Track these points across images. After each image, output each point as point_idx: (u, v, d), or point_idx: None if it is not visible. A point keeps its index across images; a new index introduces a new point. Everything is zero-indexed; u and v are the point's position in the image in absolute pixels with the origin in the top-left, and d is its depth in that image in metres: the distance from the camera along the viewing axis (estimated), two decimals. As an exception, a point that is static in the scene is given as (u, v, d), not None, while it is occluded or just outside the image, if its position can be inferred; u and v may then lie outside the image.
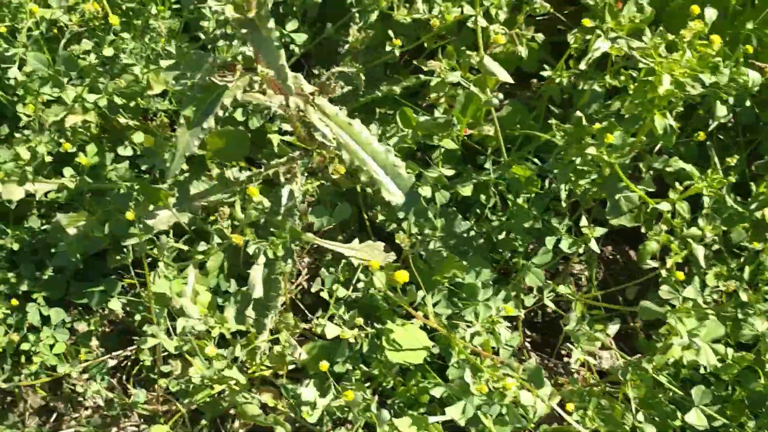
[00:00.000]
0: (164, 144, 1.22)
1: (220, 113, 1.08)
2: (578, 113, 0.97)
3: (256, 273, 1.21)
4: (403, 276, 0.95)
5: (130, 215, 1.10)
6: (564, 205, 1.11)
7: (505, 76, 1.11)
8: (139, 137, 1.33)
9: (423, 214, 1.14)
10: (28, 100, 1.32)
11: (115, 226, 1.19)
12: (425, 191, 1.13)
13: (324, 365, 1.07)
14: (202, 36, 1.45)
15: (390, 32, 1.21)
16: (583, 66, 1.08)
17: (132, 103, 1.32)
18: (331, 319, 1.19)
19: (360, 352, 1.24)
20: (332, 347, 1.26)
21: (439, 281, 1.19)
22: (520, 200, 1.23)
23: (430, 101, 1.48)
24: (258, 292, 1.18)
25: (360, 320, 1.14)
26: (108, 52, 1.13)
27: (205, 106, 1.08)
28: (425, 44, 1.30)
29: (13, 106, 1.34)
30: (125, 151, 1.32)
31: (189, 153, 1.09)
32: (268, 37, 0.86)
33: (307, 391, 1.16)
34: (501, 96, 1.13)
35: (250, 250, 1.23)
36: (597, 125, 0.88)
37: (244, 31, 0.89)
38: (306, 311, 1.43)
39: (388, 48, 1.29)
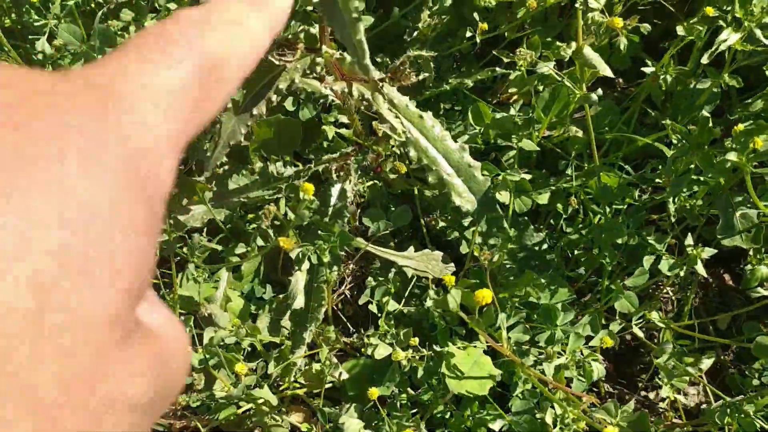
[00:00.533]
0: (205, 131, 1.08)
1: (274, 99, 0.94)
2: (705, 112, 0.81)
3: (298, 280, 1.06)
4: (486, 296, 0.80)
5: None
6: (673, 220, 0.95)
7: (606, 70, 0.96)
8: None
9: (497, 223, 0.98)
10: (57, 77, 1.20)
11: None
12: (503, 197, 0.98)
13: (373, 392, 0.92)
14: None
15: (476, 16, 1.05)
16: (705, 60, 0.92)
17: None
18: (381, 336, 1.04)
19: (409, 374, 1.09)
20: (377, 367, 1.11)
21: (509, 300, 1.04)
22: (607, 211, 1.07)
23: (503, 98, 1.32)
24: (299, 302, 1.03)
25: (415, 340, 0.99)
26: (150, 24, 1.00)
27: (256, 89, 0.94)
28: (505, 34, 1.15)
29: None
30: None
31: (234, 142, 0.95)
32: (345, 7, 0.72)
33: (350, 421, 1.01)
34: (600, 92, 0.97)
35: (293, 254, 1.09)
36: (740, 126, 0.73)
37: (315, 0, 0.74)
38: (347, 323, 1.28)
39: (463, 36, 1.14)
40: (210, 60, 0.24)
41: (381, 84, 0.93)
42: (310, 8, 0.92)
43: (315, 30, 0.93)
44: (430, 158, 0.98)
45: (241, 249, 1.05)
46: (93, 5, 1.33)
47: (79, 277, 0.17)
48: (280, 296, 1.15)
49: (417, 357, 0.97)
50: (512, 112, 1.19)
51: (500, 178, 0.95)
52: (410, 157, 0.98)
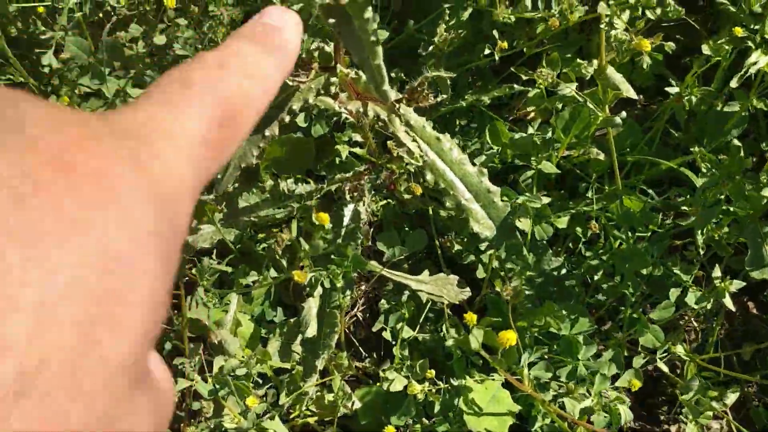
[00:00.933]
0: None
1: (287, 119, 0.90)
2: (735, 141, 0.77)
3: (311, 307, 1.02)
4: (510, 338, 0.76)
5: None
6: (701, 252, 0.91)
7: (630, 92, 0.92)
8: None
9: (516, 250, 0.95)
10: (63, 92, 1.17)
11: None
12: (523, 224, 0.94)
13: (390, 430, 0.89)
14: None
15: (495, 33, 1.02)
16: (734, 84, 0.88)
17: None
18: (396, 368, 1.00)
19: (424, 404, 1.05)
20: (391, 396, 1.08)
21: (528, 329, 1.00)
22: (629, 237, 1.03)
23: (519, 114, 1.29)
24: (312, 329, 1.00)
25: (431, 372, 0.96)
26: (159, 40, 0.97)
27: (268, 109, 0.90)
28: (523, 50, 1.11)
29: (46, 96, 1.19)
30: (168, 154, 1.15)
31: (246, 164, 0.92)
32: (364, 30, 0.69)
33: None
34: (624, 115, 0.93)
35: (306, 279, 1.06)
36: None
37: (332, 20, 0.71)
38: (360, 347, 1.25)
39: (480, 51, 1.10)
40: (228, 107, 0.26)
41: (398, 105, 0.90)
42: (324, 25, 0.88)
43: (330, 48, 0.90)
44: (448, 182, 0.94)
45: (252, 277, 1.01)
46: (101, 15, 1.30)
47: (109, 321, 0.18)
48: (291, 320, 1.12)
49: (434, 390, 0.93)
50: (530, 130, 1.15)
51: (520, 203, 0.91)
52: (427, 180, 0.95)
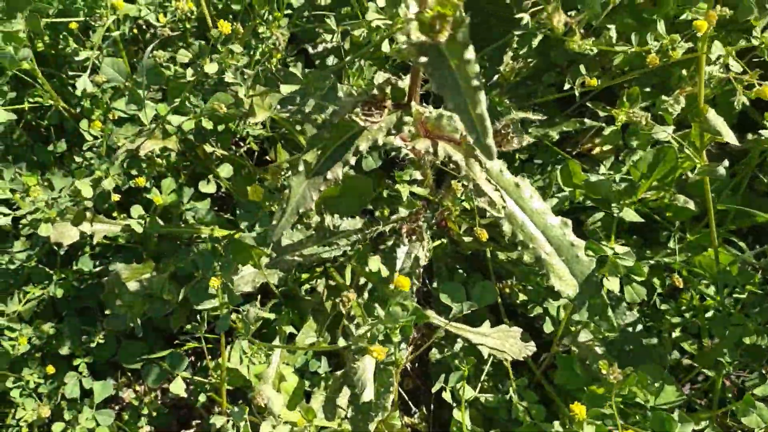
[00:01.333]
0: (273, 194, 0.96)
1: (352, 161, 0.81)
2: None
3: (366, 367, 0.92)
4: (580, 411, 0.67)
5: (215, 282, 0.84)
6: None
7: (730, 136, 0.82)
8: (226, 170, 1.07)
9: (600, 311, 0.85)
10: (95, 116, 1.07)
11: (192, 290, 0.92)
12: (612, 284, 0.84)
13: None
14: (310, 49, 1.19)
15: (582, 68, 0.92)
16: None
17: (220, 127, 1.06)
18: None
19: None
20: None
21: (607, 398, 0.90)
22: (710, 293, 0.93)
23: (583, 149, 1.19)
24: (368, 393, 0.90)
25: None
26: (211, 68, 0.87)
27: (332, 149, 0.81)
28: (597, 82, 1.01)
29: (76, 120, 1.10)
30: (207, 187, 1.06)
31: (304, 209, 0.82)
32: (463, 73, 0.59)
33: None
34: (727, 164, 0.83)
35: (361, 332, 0.96)
36: None
37: (423, 59, 0.61)
38: (408, 400, 1.14)
39: (547, 82, 1.01)
40: None
41: (477, 150, 0.80)
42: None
43: (403, 84, 0.81)
44: (528, 234, 0.84)
45: (311, 338, 0.91)
46: (134, 31, 1.21)
47: None
48: (337, 373, 1.02)
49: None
50: (602, 170, 1.06)
51: (609, 259, 0.81)
52: (504, 232, 0.85)
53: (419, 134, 0.87)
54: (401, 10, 0.65)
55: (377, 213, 1.13)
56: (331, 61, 1.20)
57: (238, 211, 1.14)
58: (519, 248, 0.85)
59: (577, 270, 0.84)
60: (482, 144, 0.61)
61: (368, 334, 0.92)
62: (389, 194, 1.16)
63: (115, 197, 0.94)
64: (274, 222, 0.83)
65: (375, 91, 0.78)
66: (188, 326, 0.95)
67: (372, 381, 0.90)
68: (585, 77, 0.90)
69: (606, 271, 0.81)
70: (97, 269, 1.09)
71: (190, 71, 0.90)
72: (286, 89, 0.84)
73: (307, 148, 0.81)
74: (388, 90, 0.79)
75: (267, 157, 1.23)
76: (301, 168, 0.80)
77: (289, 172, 0.94)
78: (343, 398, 1.04)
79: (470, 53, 0.60)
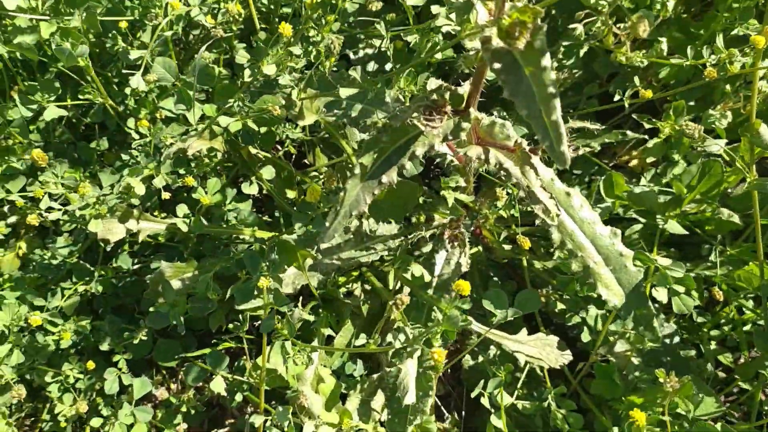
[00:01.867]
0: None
1: (407, 165, 0.82)
2: None
3: (408, 371, 0.92)
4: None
5: (264, 282, 0.84)
6: None
7: (782, 153, 0.83)
8: (268, 172, 1.08)
9: (646, 321, 0.85)
10: (142, 114, 1.08)
11: (238, 290, 0.92)
12: (660, 294, 0.84)
13: None
14: (351, 55, 1.20)
15: (636, 80, 0.93)
16: None
17: (263, 130, 1.07)
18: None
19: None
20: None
21: (647, 407, 0.90)
22: (749, 306, 0.94)
23: (620, 162, 1.20)
24: (410, 396, 0.90)
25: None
26: (269, 69, 0.88)
27: (388, 152, 0.81)
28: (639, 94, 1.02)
29: (121, 118, 1.10)
30: (250, 188, 1.06)
31: (357, 212, 0.83)
32: (538, 81, 0.60)
33: None
34: (778, 179, 0.84)
35: (401, 337, 0.96)
36: None
37: (497, 66, 0.62)
38: (440, 405, 1.15)
39: (589, 93, 1.02)
40: None
41: (532, 157, 0.81)
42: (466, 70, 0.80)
43: (462, 91, 0.82)
44: (577, 243, 0.85)
45: (361, 340, 0.92)
46: (178, 30, 1.21)
47: None
48: (373, 376, 1.02)
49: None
50: (643, 182, 1.06)
51: (657, 271, 0.82)
52: (553, 240, 0.86)
53: (471, 141, 0.89)
54: (472, 17, 0.66)
55: (413, 219, 1.14)
56: (371, 67, 1.22)
57: (277, 213, 1.14)
58: (567, 257, 0.86)
59: (625, 280, 0.85)
60: (556, 151, 0.61)
61: (410, 338, 0.92)
62: (425, 201, 1.17)
63: (165, 195, 0.94)
64: (327, 224, 0.84)
65: (435, 96, 0.78)
66: (230, 326, 0.95)
67: (414, 384, 0.90)
68: (639, 88, 0.91)
69: (654, 281, 0.82)
70: (136, 267, 1.10)
71: (247, 72, 0.91)
72: (344, 92, 0.85)
73: (363, 151, 0.81)
74: (447, 96, 0.80)
75: (305, 161, 1.24)
76: (357, 171, 0.81)
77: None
78: (378, 402, 1.04)
79: (547, 60, 0.61)
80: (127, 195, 0.93)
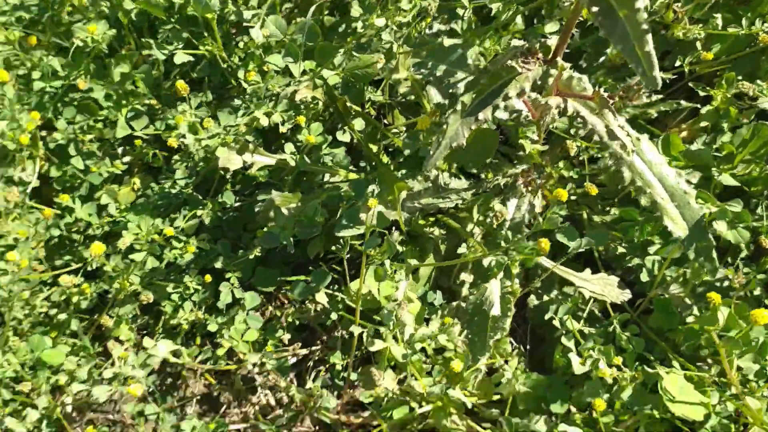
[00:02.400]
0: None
1: (501, 105, 0.95)
2: None
3: (493, 289, 1.05)
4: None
5: (372, 202, 0.97)
6: None
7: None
8: (359, 124, 1.22)
9: (706, 253, 0.97)
10: (251, 67, 1.23)
11: (346, 212, 1.06)
12: (719, 226, 0.97)
13: (599, 403, 0.91)
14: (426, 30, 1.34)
15: (698, 46, 1.06)
16: None
17: (357, 86, 1.21)
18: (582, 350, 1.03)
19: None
20: (553, 383, 1.09)
21: (704, 332, 1.02)
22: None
23: (669, 131, 1.33)
24: (496, 309, 1.03)
25: (619, 360, 0.98)
26: (380, 21, 1.02)
27: (486, 93, 0.95)
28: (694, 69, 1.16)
29: (234, 72, 1.25)
30: (344, 136, 1.20)
31: (456, 144, 0.96)
32: (632, 21, 0.73)
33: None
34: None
35: (486, 262, 1.09)
36: None
37: (594, 9, 0.76)
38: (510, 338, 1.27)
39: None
40: None
41: (611, 101, 0.94)
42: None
43: (551, 42, 0.95)
44: (645, 181, 0.98)
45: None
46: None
47: None
48: (453, 304, 1.15)
49: (624, 377, 0.95)
50: (695, 146, 1.19)
51: (717, 206, 0.94)
52: (624, 178, 0.99)
53: (551, 93, 1.02)
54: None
55: (482, 174, 1.27)
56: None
57: (363, 163, 1.28)
58: (637, 193, 0.99)
59: (688, 215, 0.97)
60: (649, 76, 0.75)
61: (493, 263, 1.05)
62: (494, 160, 1.30)
63: (283, 129, 1.08)
64: (431, 152, 0.97)
65: (528, 45, 0.92)
66: (333, 248, 1.08)
67: (498, 301, 1.03)
68: (700, 52, 1.05)
69: (715, 216, 0.95)
70: (237, 204, 1.23)
71: (360, 24, 1.06)
72: (447, 42, 0.99)
73: (464, 91, 0.95)
74: (537, 45, 0.94)
75: (385, 122, 1.38)
76: (458, 107, 0.95)
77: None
78: (455, 329, 1.16)
79: (640, 2, 0.74)
80: (249, 127, 1.07)
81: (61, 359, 1.05)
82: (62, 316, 1.10)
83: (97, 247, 1.00)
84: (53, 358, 1.04)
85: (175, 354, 1.08)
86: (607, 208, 1.29)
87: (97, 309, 1.17)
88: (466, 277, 1.19)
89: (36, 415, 0.99)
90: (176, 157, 1.23)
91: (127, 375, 1.02)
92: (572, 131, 1.10)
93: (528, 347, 1.24)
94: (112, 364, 1.03)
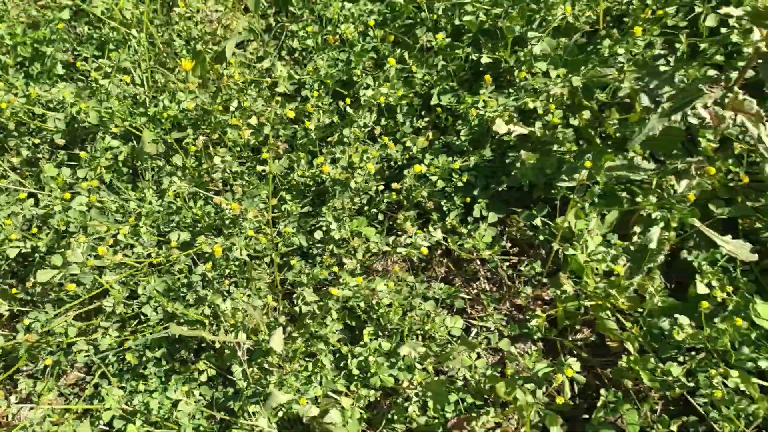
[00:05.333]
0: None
1: (690, 113, 1.50)
2: None
3: (656, 232, 1.61)
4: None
5: (588, 163, 1.57)
6: None
7: None
8: (586, 114, 1.82)
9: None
10: (523, 68, 1.88)
11: (568, 167, 1.68)
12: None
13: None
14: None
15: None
16: None
17: (591, 89, 1.81)
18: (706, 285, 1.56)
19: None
20: (681, 305, 1.61)
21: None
22: None
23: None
24: (653, 245, 1.59)
25: (730, 289, 1.49)
26: (620, 50, 1.62)
27: (680, 104, 1.50)
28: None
29: (507, 71, 1.91)
30: (574, 121, 1.81)
31: (651, 133, 1.53)
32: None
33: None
34: None
35: (654, 215, 1.65)
36: None
37: (760, 61, 1.29)
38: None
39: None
40: None
41: (765, 117, 1.45)
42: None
43: (732, 76, 1.47)
44: (782, 176, 1.47)
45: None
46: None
47: None
48: (625, 243, 1.72)
49: (731, 298, 1.47)
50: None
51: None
52: (766, 173, 1.48)
53: (727, 108, 1.54)
54: (752, 36, 1.33)
55: (667, 162, 1.80)
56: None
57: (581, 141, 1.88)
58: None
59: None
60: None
61: (657, 217, 1.61)
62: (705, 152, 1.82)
63: (540, 111, 1.73)
64: (635, 137, 1.55)
65: (715, 75, 1.46)
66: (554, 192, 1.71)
67: (656, 241, 1.59)
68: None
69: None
70: (491, 156, 1.90)
71: (606, 49, 1.66)
72: (663, 68, 1.55)
73: (666, 100, 1.51)
74: (723, 77, 1.47)
75: (603, 114, 1.95)
76: (659, 110, 1.51)
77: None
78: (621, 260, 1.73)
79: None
80: (516, 108, 1.72)
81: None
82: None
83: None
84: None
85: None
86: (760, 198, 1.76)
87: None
88: (638, 228, 1.75)
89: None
90: (459, 122, 1.93)
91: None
92: (739, 136, 1.60)
93: (672, 285, 1.76)
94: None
